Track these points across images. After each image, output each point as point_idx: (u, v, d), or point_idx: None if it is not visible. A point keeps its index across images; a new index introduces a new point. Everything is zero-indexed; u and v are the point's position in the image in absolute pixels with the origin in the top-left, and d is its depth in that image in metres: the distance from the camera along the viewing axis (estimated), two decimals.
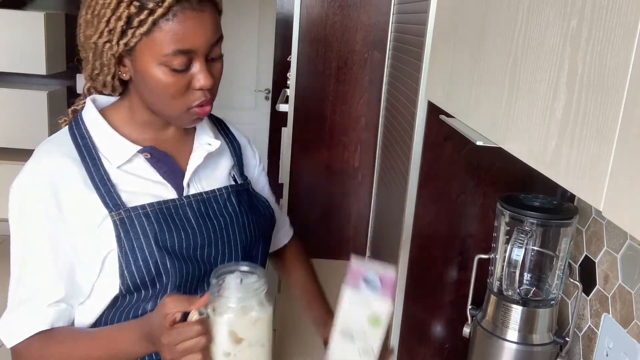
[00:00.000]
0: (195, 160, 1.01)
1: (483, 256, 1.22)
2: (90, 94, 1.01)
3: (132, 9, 0.83)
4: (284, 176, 1.94)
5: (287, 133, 1.88)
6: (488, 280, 1.20)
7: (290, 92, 1.86)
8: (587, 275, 1.10)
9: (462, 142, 1.25)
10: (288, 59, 1.96)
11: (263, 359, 0.90)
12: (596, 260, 1.07)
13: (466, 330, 1.24)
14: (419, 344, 1.40)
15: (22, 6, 3.81)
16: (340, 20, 1.80)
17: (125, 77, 0.91)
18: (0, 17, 3.54)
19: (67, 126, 0.98)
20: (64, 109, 3.98)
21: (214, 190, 1.03)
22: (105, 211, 0.91)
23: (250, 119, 5.10)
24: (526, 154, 0.69)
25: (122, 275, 0.91)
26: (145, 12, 0.82)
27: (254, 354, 0.88)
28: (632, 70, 0.47)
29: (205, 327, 0.82)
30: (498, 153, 0.84)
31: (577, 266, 1.14)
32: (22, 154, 3.91)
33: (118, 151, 0.95)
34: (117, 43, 0.86)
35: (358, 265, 0.99)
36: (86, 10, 0.89)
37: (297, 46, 1.81)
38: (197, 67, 0.88)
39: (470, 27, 0.94)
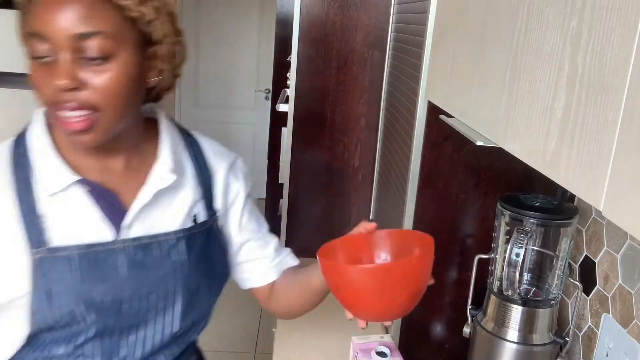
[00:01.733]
0: (141, 198, 0.86)
1: (483, 256, 1.22)
2: None
3: None
4: (284, 176, 1.94)
5: (287, 133, 1.88)
6: (488, 280, 1.20)
7: (290, 92, 1.86)
8: (587, 275, 1.10)
9: (462, 142, 1.25)
10: (288, 59, 1.96)
11: None
12: (596, 260, 1.07)
13: (466, 330, 1.24)
14: (419, 344, 1.40)
15: None
16: (340, 20, 1.80)
17: None
18: (0, 17, 3.54)
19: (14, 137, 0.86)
20: None
21: (158, 234, 0.88)
22: (25, 246, 0.80)
23: (250, 119, 5.11)
24: (526, 154, 0.69)
25: (32, 320, 0.81)
26: None
27: None
28: (632, 70, 0.47)
29: None
30: (498, 153, 0.84)
31: (577, 266, 1.14)
32: None
33: (54, 177, 0.82)
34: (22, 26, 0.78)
35: (361, 341, 1.15)
36: None
37: (297, 46, 1.81)
38: (58, 63, 0.75)
39: (470, 27, 0.94)
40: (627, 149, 0.47)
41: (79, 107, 0.76)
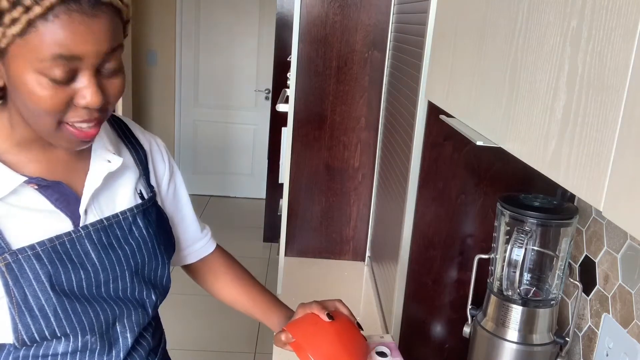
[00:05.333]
0: (92, 183, 0.87)
1: (483, 256, 1.22)
2: None
3: (4, 4, 0.68)
4: (284, 176, 1.94)
5: (287, 133, 1.88)
6: (488, 280, 1.20)
7: (290, 92, 1.86)
8: (587, 275, 1.10)
9: (462, 142, 1.25)
10: (288, 59, 1.96)
11: None
12: (596, 260, 1.07)
13: (466, 330, 1.24)
14: (419, 344, 1.40)
15: None
16: (340, 20, 1.80)
17: None
18: None
19: None
20: None
21: (116, 214, 0.90)
22: None
23: (250, 119, 5.11)
24: (526, 154, 0.69)
25: (15, 330, 0.79)
26: (19, 9, 0.67)
27: None
28: (632, 70, 0.47)
29: None
30: (498, 153, 0.84)
31: (577, 266, 1.14)
32: None
33: None
34: None
35: None
36: None
37: (297, 46, 1.81)
38: (83, 81, 0.73)
39: (470, 27, 0.94)
40: (627, 148, 0.47)
41: (100, 120, 0.79)
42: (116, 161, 0.90)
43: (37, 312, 0.79)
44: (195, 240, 1.14)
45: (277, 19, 3.65)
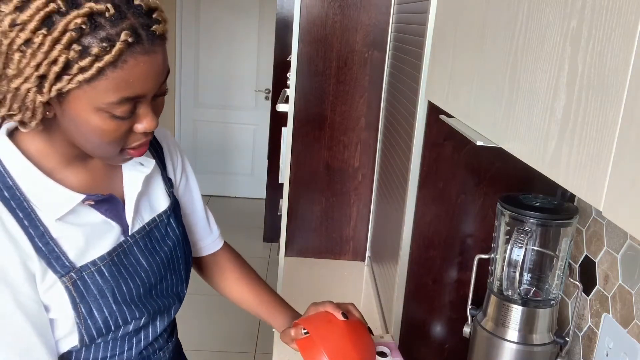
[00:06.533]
0: (132, 188, 0.89)
1: (483, 256, 1.22)
2: None
3: (72, 54, 0.67)
4: (284, 176, 1.94)
5: (287, 133, 1.88)
6: (488, 280, 1.20)
7: (290, 92, 1.86)
8: (587, 275, 1.10)
9: (462, 142, 1.25)
10: (288, 59, 1.96)
11: None
12: (596, 260, 1.07)
13: (466, 330, 1.24)
14: (419, 344, 1.40)
15: None
16: (340, 20, 1.80)
17: (48, 115, 0.75)
18: None
19: None
20: None
21: (154, 218, 0.93)
22: (53, 276, 0.78)
23: (250, 119, 5.11)
24: (526, 154, 0.69)
25: (81, 340, 0.83)
26: (89, 58, 0.68)
27: None
28: (632, 70, 0.47)
29: None
30: (498, 153, 0.84)
31: (577, 266, 1.14)
32: None
33: (56, 201, 0.80)
34: (49, 90, 0.69)
35: None
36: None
37: (297, 46, 1.81)
38: (142, 110, 0.77)
39: (470, 27, 0.94)
40: (627, 149, 0.47)
41: (150, 138, 0.83)
42: (148, 163, 0.92)
43: (101, 324, 0.84)
44: (205, 235, 1.15)
45: (277, 19, 3.65)
